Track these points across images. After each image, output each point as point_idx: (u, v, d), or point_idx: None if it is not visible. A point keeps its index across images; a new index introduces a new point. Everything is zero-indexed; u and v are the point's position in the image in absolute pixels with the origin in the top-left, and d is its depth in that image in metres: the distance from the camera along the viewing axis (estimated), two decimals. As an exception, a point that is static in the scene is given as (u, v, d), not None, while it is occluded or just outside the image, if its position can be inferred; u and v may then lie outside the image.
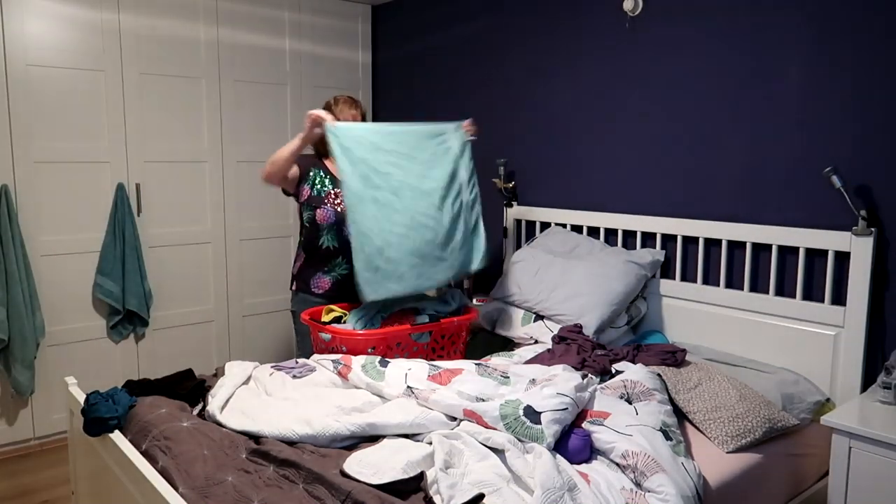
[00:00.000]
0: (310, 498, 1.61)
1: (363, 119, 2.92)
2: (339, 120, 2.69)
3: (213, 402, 2.09)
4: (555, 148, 3.43)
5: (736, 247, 2.75)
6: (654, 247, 3.00)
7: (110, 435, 1.96)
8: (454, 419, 1.97)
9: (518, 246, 3.60)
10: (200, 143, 3.77)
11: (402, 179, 2.58)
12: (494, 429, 1.87)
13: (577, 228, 3.32)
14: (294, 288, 2.94)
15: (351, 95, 2.95)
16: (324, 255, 2.80)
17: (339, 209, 2.78)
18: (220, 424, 2.01)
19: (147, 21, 3.52)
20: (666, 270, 2.98)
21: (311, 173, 2.82)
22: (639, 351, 2.50)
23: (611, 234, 3.19)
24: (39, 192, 3.29)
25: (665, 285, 2.95)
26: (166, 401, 2.11)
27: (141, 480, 1.73)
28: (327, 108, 2.87)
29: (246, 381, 2.27)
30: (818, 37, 2.47)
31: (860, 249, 2.36)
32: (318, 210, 2.78)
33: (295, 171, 2.77)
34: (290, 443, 1.87)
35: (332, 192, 2.80)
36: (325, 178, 2.83)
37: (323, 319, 2.63)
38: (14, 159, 3.20)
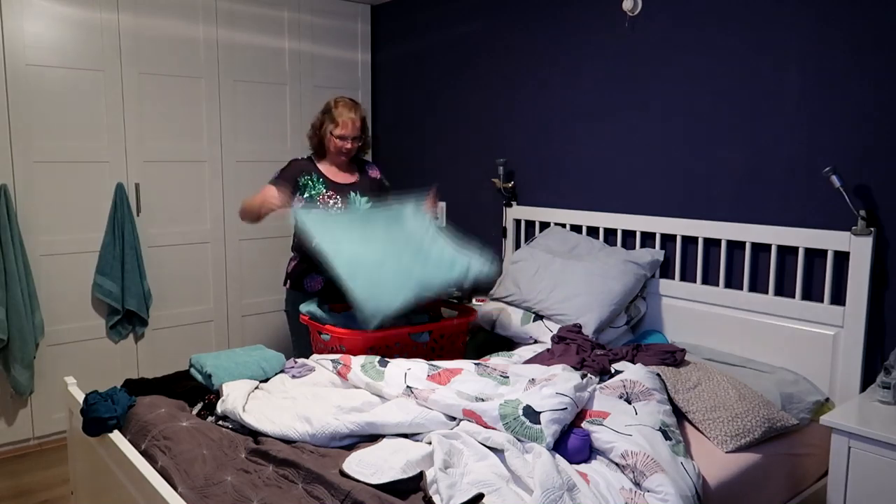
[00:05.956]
0: (309, 498, 1.61)
1: (363, 122, 2.92)
2: (339, 122, 2.80)
3: (230, 402, 2.06)
4: (554, 148, 3.43)
5: (735, 247, 2.75)
6: (654, 247, 3.00)
7: (109, 435, 1.96)
8: (453, 419, 1.97)
9: (517, 246, 3.59)
10: (200, 143, 3.77)
11: (367, 242, 2.58)
12: (494, 428, 1.87)
13: (576, 228, 3.31)
14: (288, 286, 2.95)
15: (351, 98, 2.96)
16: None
17: (331, 211, 2.77)
18: (224, 423, 2.01)
19: (146, 21, 3.52)
20: (665, 270, 2.98)
21: (303, 181, 2.82)
22: (638, 351, 2.50)
23: (610, 234, 3.18)
24: (39, 192, 3.28)
25: (664, 285, 2.95)
26: (165, 400, 2.11)
27: (140, 480, 1.74)
28: (327, 110, 2.87)
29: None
30: (818, 36, 2.47)
31: (859, 249, 2.36)
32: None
33: (285, 196, 2.74)
34: (290, 442, 1.87)
35: (325, 194, 2.80)
36: (318, 181, 2.83)
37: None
38: (13, 159, 3.19)
